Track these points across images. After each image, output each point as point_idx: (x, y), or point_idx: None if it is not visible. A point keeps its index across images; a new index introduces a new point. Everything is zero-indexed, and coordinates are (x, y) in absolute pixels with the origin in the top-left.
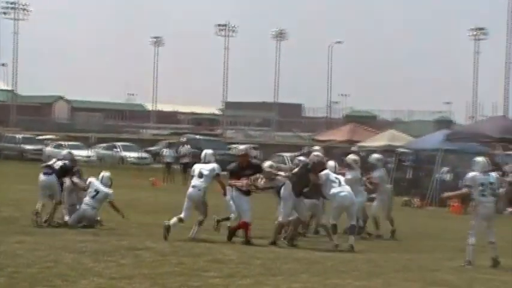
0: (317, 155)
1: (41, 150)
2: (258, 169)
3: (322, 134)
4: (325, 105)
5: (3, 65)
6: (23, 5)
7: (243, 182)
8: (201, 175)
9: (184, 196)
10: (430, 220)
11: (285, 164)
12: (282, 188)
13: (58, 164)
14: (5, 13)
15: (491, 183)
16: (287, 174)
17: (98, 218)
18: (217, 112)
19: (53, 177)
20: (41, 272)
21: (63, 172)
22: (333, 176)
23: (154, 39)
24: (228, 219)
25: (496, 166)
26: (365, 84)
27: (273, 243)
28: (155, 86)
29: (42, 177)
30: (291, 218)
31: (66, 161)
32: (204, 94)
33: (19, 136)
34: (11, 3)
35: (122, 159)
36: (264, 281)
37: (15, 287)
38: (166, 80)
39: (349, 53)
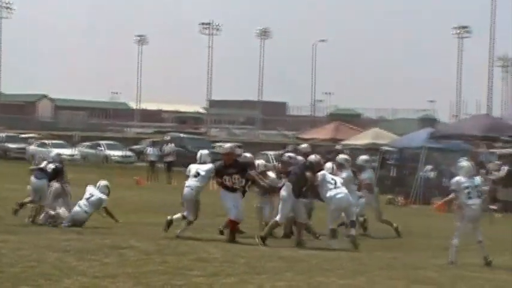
0: (315, 156)
1: (24, 149)
2: (243, 168)
3: (306, 132)
4: (310, 103)
5: None
6: (6, 3)
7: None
8: (197, 175)
9: (168, 194)
10: (414, 218)
11: (270, 162)
12: (282, 190)
13: (50, 167)
14: None
15: (476, 186)
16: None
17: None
18: (201, 110)
19: (44, 181)
20: (24, 271)
21: (55, 174)
22: (329, 177)
23: (138, 38)
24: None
25: (479, 164)
26: (349, 83)
27: (264, 238)
28: (139, 84)
29: (33, 180)
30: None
31: (57, 163)
32: (188, 92)
33: (2, 135)
34: None
35: (106, 158)
36: (248, 279)
37: None
38: (150, 78)
39: (333, 52)
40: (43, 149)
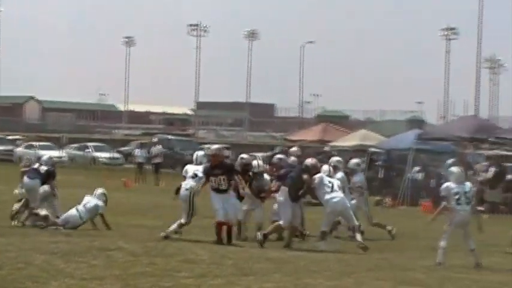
0: (311, 159)
1: (11, 150)
2: (228, 169)
3: (294, 133)
4: (297, 105)
5: None
6: None
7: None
8: (195, 176)
9: (155, 196)
10: (402, 219)
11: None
12: (277, 194)
13: (43, 169)
14: None
15: (465, 193)
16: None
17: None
18: (189, 112)
19: (37, 181)
20: (11, 273)
21: (47, 177)
22: (327, 180)
23: (126, 39)
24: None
25: (467, 165)
26: (337, 84)
27: (265, 236)
28: (127, 86)
29: (26, 180)
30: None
31: (50, 166)
32: (176, 94)
33: None
34: None
35: (94, 160)
36: (235, 281)
37: None
38: (138, 80)
39: (321, 53)
40: (30, 151)
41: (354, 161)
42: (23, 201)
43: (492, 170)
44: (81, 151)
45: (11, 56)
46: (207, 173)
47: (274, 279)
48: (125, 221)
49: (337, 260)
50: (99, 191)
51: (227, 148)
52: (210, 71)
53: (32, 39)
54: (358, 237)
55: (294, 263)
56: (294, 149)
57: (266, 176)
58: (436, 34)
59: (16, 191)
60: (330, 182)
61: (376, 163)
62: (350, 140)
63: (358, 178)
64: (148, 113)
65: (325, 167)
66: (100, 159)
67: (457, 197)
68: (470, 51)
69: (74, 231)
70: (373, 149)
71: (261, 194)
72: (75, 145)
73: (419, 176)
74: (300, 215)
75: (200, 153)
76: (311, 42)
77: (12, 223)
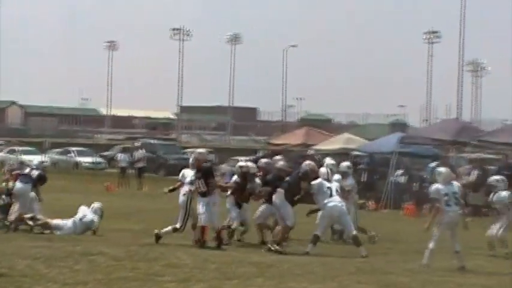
0: (309, 163)
1: None
2: (204, 172)
3: (277, 137)
4: (280, 108)
5: None
6: None
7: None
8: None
9: (138, 201)
10: (385, 223)
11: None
12: (274, 197)
13: (34, 173)
14: None
15: (454, 193)
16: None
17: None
18: (172, 116)
19: (29, 186)
20: None
21: (38, 181)
22: (325, 186)
23: (109, 44)
24: (229, 227)
25: (450, 169)
26: (320, 88)
27: (279, 243)
28: (109, 90)
29: (18, 185)
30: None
31: (40, 171)
32: (159, 98)
33: None
34: None
35: (77, 164)
36: (219, 285)
37: None
38: (121, 84)
39: (304, 57)
40: (12, 156)
41: (345, 163)
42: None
43: (475, 173)
44: (63, 156)
45: None
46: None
47: (258, 283)
48: (107, 226)
49: (320, 264)
50: (97, 205)
51: (210, 152)
52: (193, 75)
53: (13, 43)
54: (363, 250)
55: (277, 266)
56: (277, 157)
57: (257, 180)
58: (419, 37)
59: None
60: (328, 187)
61: (359, 166)
62: (333, 144)
63: (350, 181)
64: (131, 118)
65: (323, 170)
66: (83, 163)
67: (446, 198)
68: (453, 54)
69: (55, 236)
70: (356, 153)
71: (252, 196)
72: (58, 150)
73: (402, 179)
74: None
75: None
76: (294, 46)
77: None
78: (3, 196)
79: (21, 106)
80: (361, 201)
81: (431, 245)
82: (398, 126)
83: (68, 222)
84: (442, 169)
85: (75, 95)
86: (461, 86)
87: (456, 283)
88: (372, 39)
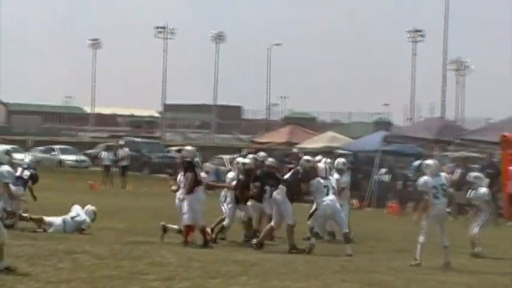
0: (308, 160)
1: None
2: (184, 168)
3: (261, 136)
4: (265, 107)
5: None
6: None
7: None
8: None
9: (122, 199)
10: (369, 221)
11: (225, 166)
12: (275, 193)
13: (26, 174)
14: None
15: (442, 185)
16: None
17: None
18: (156, 115)
19: (21, 189)
20: None
21: (30, 180)
22: (322, 184)
23: (92, 42)
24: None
25: None
26: (304, 86)
27: (293, 247)
28: (93, 88)
29: (12, 187)
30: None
31: (32, 170)
32: (143, 96)
33: None
34: None
35: (60, 162)
36: (203, 283)
37: None
38: (104, 82)
39: (288, 55)
40: None
41: (341, 160)
42: None
43: (458, 171)
44: (47, 154)
45: None
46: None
47: (242, 282)
48: (91, 224)
49: (304, 262)
50: (91, 208)
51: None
52: (177, 73)
53: None
54: (348, 249)
55: (261, 265)
56: (261, 154)
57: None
58: (403, 36)
59: None
60: (325, 186)
61: None
62: (317, 142)
63: (346, 178)
64: (115, 116)
65: (321, 165)
66: (66, 161)
67: (434, 190)
68: (437, 53)
69: (39, 234)
70: (340, 151)
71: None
72: (42, 148)
73: (386, 177)
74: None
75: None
76: (278, 44)
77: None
78: None
79: (4, 104)
80: None
81: (421, 238)
82: (382, 124)
83: (58, 220)
84: (430, 161)
85: (59, 93)
86: (445, 84)
87: (439, 281)
88: (356, 38)
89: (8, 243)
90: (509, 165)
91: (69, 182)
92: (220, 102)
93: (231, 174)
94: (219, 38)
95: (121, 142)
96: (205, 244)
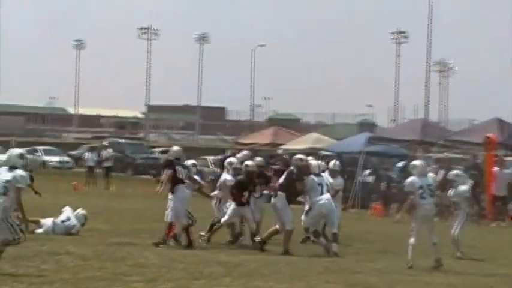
0: (300, 159)
1: None
2: (164, 167)
3: (245, 137)
4: (249, 108)
5: None
6: None
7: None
8: None
9: (106, 200)
10: (353, 222)
11: (208, 167)
12: (273, 199)
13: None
14: None
15: (429, 185)
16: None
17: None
18: (140, 115)
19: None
20: None
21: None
22: (317, 182)
23: (76, 43)
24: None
25: None
26: (288, 87)
27: (286, 252)
28: (77, 89)
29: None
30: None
31: (29, 171)
32: (127, 97)
33: None
34: None
35: (44, 163)
36: (186, 285)
37: None
38: (88, 83)
39: (272, 56)
40: None
41: (336, 162)
42: None
43: (441, 172)
44: (30, 155)
45: None
46: None
47: (225, 283)
48: (80, 229)
49: (288, 263)
50: (82, 212)
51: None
52: (161, 74)
53: None
54: (335, 247)
55: (245, 266)
56: (244, 152)
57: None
58: (386, 37)
59: None
60: (319, 184)
61: None
62: (301, 143)
63: (339, 180)
64: (98, 117)
65: (314, 162)
66: (50, 162)
67: (421, 191)
68: (420, 54)
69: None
70: (324, 152)
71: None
72: (25, 149)
73: (370, 179)
74: (258, 219)
75: (189, 162)
76: (262, 45)
77: None
78: None
79: None
80: None
81: (411, 240)
82: (366, 126)
83: (48, 221)
84: (417, 162)
85: (42, 94)
86: (429, 86)
87: (424, 282)
88: (340, 39)
89: None
90: (493, 167)
91: (52, 183)
92: (204, 103)
93: (229, 177)
94: (203, 39)
95: (104, 143)
96: (189, 245)
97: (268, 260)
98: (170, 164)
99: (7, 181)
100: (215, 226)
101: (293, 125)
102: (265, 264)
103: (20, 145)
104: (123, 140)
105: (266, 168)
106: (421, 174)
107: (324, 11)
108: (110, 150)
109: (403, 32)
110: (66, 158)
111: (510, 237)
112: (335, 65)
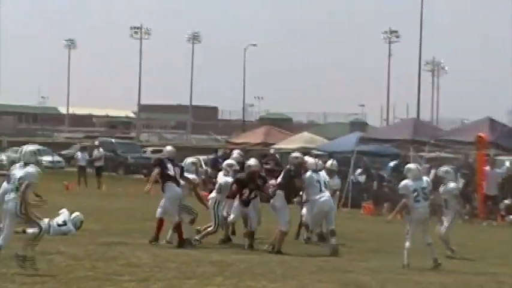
0: (296, 156)
1: None
2: (154, 165)
3: (237, 136)
4: (241, 108)
5: None
6: None
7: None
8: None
9: (97, 200)
10: (345, 222)
11: (201, 167)
12: (272, 200)
13: None
14: None
15: (423, 188)
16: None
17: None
18: (131, 115)
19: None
20: None
21: None
22: (315, 179)
23: (67, 42)
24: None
25: None
26: (280, 87)
27: (279, 252)
28: (68, 89)
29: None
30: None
31: None
32: (118, 97)
33: None
34: None
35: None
36: (178, 284)
37: None
38: (80, 83)
39: (264, 56)
40: None
41: (334, 162)
42: None
43: (433, 172)
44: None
45: None
46: None
47: (217, 282)
48: (76, 233)
49: (280, 263)
50: (78, 217)
51: None
52: (153, 73)
53: None
54: (333, 240)
55: (236, 265)
56: (236, 151)
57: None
58: (378, 37)
59: None
60: (317, 181)
61: None
62: (293, 143)
63: (337, 181)
64: (90, 116)
65: (311, 160)
66: (42, 162)
67: (415, 194)
68: (412, 54)
69: (16, 235)
70: (315, 152)
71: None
72: (16, 148)
73: (362, 178)
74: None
75: (188, 160)
76: (254, 45)
77: None
78: None
79: None
80: None
81: (407, 244)
82: (358, 125)
83: (43, 222)
84: (411, 165)
85: (34, 94)
86: (420, 85)
87: (415, 281)
88: (332, 39)
89: None
90: (485, 166)
91: (44, 183)
92: (196, 102)
93: (229, 179)
94: (195, 38)
95: (96, 142)
96: (180, 244)
97: (261, 260)
98: (159, 162)
99: (20, 178)
100: (209, 230)
101: (285, 125)
102: (258, 263)
103: (11, 144)
104: (115, 140)
105: (261, 169)
106: (415, 178)
107: (316, 11)
108: (100, 150)
109: (395, 32)
110: (57, 158)
111: (501, 236)
112: (327, 65)
